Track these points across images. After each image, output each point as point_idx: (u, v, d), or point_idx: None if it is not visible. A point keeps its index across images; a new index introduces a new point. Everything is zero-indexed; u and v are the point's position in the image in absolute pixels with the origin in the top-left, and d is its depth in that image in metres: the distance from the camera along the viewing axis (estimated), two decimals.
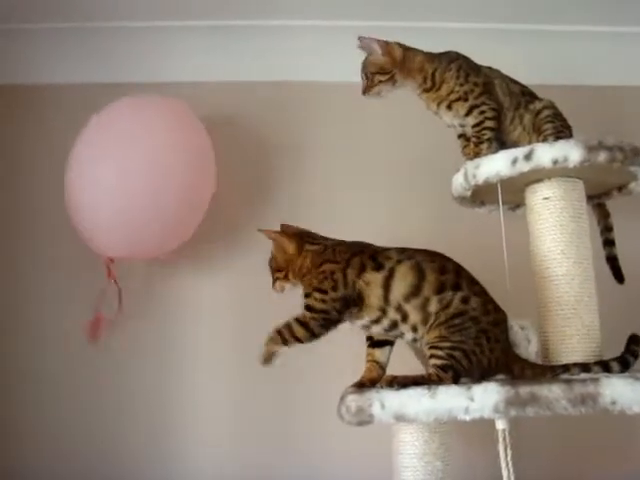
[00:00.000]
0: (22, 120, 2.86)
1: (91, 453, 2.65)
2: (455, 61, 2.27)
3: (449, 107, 2.27)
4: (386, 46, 2.24)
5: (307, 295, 1.98)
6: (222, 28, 2.86)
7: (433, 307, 1.91)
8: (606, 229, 2.33)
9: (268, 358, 1.92)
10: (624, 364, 1.90)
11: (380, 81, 2.25)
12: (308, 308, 1.95)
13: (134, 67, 2.87)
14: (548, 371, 1.93)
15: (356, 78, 2.29)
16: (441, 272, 1.96)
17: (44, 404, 2.68)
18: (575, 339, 2.02)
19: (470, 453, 2.40)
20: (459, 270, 1.99)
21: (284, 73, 2.91)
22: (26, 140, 2.84)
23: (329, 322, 1.93)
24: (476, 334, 1.88)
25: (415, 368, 2.00)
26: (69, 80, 2.86)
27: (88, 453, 2.65)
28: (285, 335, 1.92)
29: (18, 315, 2.73)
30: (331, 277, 1.96)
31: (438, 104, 2.28)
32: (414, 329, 1.93)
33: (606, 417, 1.77)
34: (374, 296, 1.94)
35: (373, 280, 1.95)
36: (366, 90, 2.27)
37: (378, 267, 1.97)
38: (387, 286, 1.94)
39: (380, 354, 2.02)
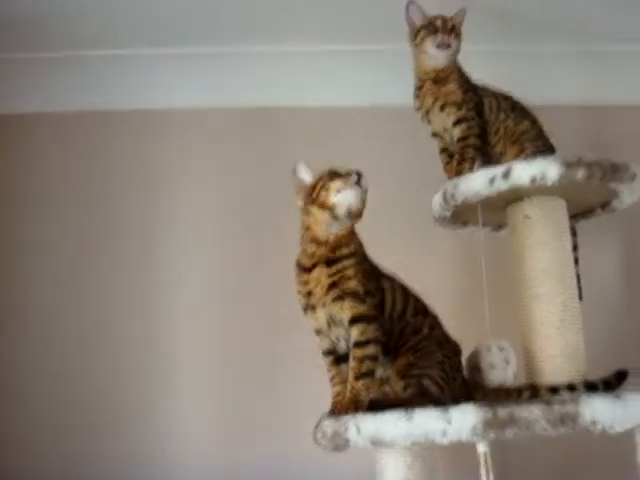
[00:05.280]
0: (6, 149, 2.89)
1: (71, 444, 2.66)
2: (465, 73, 2.30)
3: (442, 107, 2.25)
4: None
5: (358, 299, 1.83)
6: (206, 55, 2.89)
7: (408, 330, 1.91)
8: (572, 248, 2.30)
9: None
10: (592, 389, 1.90)
11: (460, 41, 2.26)
12: (364, 319, 1.82)
13: (119, 95, 2.92)
14: (513, 394, 1.91)
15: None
16: (416, 298, 1.98)
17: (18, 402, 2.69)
18: (559, 359, 2.00)
19: (455, 476, 2.35)
20: (422, 299, 2.00)
21: (274, 99, 2.94)
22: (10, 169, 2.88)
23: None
24: (442, 358, 1.88)
25: None
26: (53, 109, 2.90)
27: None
28: (364, 370, 1.80)
29: None
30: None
31: (434, 100, 2.26)
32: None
33: (593, 436, 1.74)
34: (387, 306, 1.91)
35: (388, 288, 1.93)
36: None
37: (384, 276, 1.95)
38: (393, 300, 1.92)
39: (347, 371, 1.89)
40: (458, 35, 2.25)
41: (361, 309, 1.82)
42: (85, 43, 2.80)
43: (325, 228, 1.86)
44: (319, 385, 1.93)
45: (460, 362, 1.97)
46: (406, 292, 1.96)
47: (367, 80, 2.87)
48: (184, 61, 2.90)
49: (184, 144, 2.91)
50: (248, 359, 2.73)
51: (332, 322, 1.85)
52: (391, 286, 1.94)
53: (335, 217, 1.84)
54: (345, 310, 1.82)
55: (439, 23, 2.23)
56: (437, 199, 2.18)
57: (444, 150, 2.32)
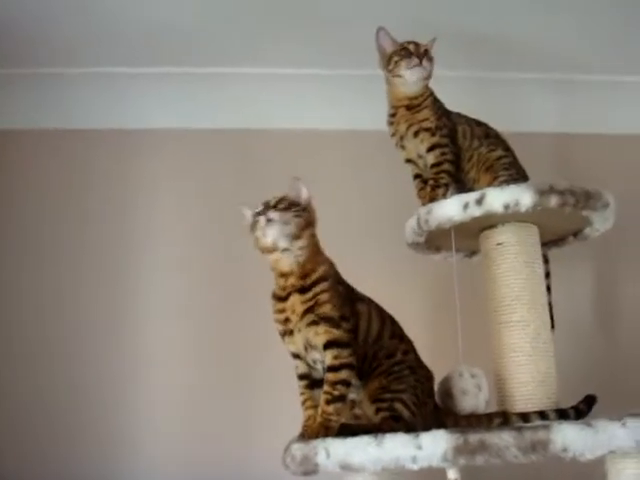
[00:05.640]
0: None
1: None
2: (439, 100, 2.31)
3: (416, 134, 2.26)
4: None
5: (333, 324, 1.80)
6: (183, 75, 2.90)
7: (382, 353, 1.89)
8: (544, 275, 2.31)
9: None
10: (563, 416, 1.90)
11: (433, 65, 2.26)
12: (338, 344, 1.79)
13: (97, 113, 2.92)
14: (484, 420, 1.91)
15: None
16: (392, 321, 1.96)
17: None
18: (531, 386, 2.00)
19: None
20: (398, 323, 1.98)
21: (250, 121, 2.95)
22: None
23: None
24: (414, 383, 1.87)
25: None
26: (30, 126, 2.90)
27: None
28: (336, 394, 1.78)
29: None
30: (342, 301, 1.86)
31: (408, 126, 2.27)
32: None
33: (565, 464, 1.72)
34: (361, 331, 1.89)
35: (364, 312, 1.91)
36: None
37: (361, 299, 1.93)
38: (369, 324, 1.90)
39: (319, 396, 1.85)
40: (430, 59, 2.25)
41: (336, 334, 1.80)
42: (64, 61, 2.79)
43: (283, 262, 1.85)
44: (291, 406, 1.92)
45: (432, 388, 1.96)
46: (383, 315, 1.95)
47: (343, 104, 2.89)
48: (161, 81, 2.90)
49: (160, 164, 2.90)
50: (220, 378, 2.71)
51: (309, 346, 1.84)
52: (367, 310, 1.92)
53: (281, 251, 1.84)
54: (320, 335, 1.81)
55: (412, 47, 2.25)
56: (410, 224, 2.18)
57: (418, 176, 2.32)
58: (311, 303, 1.82)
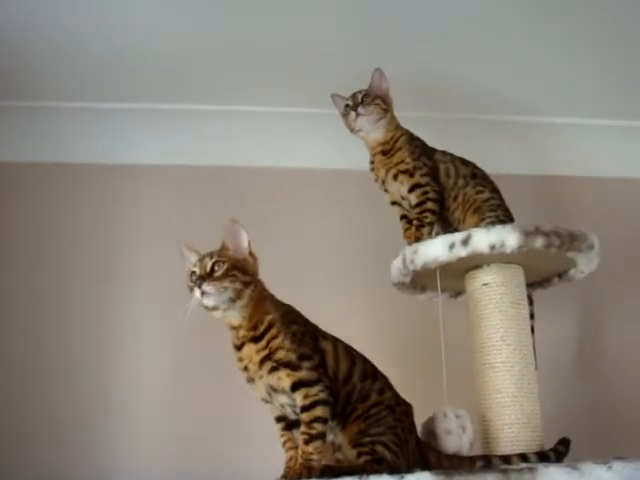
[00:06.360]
0: None
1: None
2: (416, 139, 2.33)
3: (395, 177, 2.28)
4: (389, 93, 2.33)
5: (293, 367, 1.79)
6: (170, 112, 2.90)
7: (356, 395, 1.87)
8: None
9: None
10: (544, 458, 1.89)
11: (377, 104, 2.27)
12: (304, 384, 1.78)
13: (82, 148, 2.90)
14: (466, 462, 1.89)
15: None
16: (364, 360, 1.94)
17: None
18: (515, 427, 1.99)
19: None
20: (371, 361, 1.96)
21: (236, 158, 2.94)
22: None
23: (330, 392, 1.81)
24: (393, 423, 1.85)
25: None
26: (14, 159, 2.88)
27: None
28: (313, 433, 1.76)
29: None
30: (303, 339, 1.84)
31: (387, 171, 2.29)
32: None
33: None
34: (329, 367, 1.86)
35: (329, 350, 1.88)
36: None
37: (325, 337, 1.91)
38: (336, 362, 1.87)
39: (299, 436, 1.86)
40: (370, 102, 2.28)
41: (299, 375, 1.78)
42: (51, 95, 2.79)
43: (229, 319, 1.85)
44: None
45: (413, 423, 1.94)
46: (352, 354, 1.92)
47: (328, 143, 2.87)
48: (146, 117, 2.88)
49: (145, 199, 2.87)
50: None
51: (273, 391, 1.83)
52: (333, 348, 1.89)
53: (223, 310, 1.83)
54: (283, 379, 1.80)
55: (350, 101, 2.31)
56: (396, 264, 2.18)
57: (403, 217, 2.33)
58: (266, 352, 1.81)
